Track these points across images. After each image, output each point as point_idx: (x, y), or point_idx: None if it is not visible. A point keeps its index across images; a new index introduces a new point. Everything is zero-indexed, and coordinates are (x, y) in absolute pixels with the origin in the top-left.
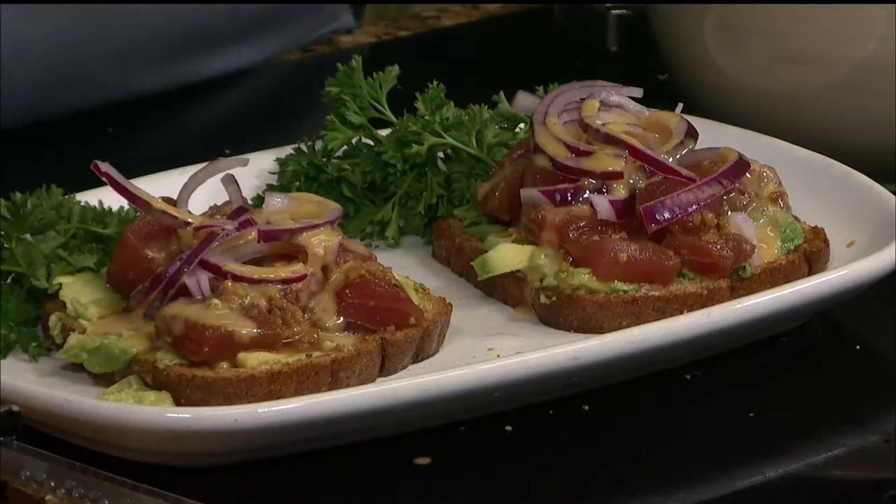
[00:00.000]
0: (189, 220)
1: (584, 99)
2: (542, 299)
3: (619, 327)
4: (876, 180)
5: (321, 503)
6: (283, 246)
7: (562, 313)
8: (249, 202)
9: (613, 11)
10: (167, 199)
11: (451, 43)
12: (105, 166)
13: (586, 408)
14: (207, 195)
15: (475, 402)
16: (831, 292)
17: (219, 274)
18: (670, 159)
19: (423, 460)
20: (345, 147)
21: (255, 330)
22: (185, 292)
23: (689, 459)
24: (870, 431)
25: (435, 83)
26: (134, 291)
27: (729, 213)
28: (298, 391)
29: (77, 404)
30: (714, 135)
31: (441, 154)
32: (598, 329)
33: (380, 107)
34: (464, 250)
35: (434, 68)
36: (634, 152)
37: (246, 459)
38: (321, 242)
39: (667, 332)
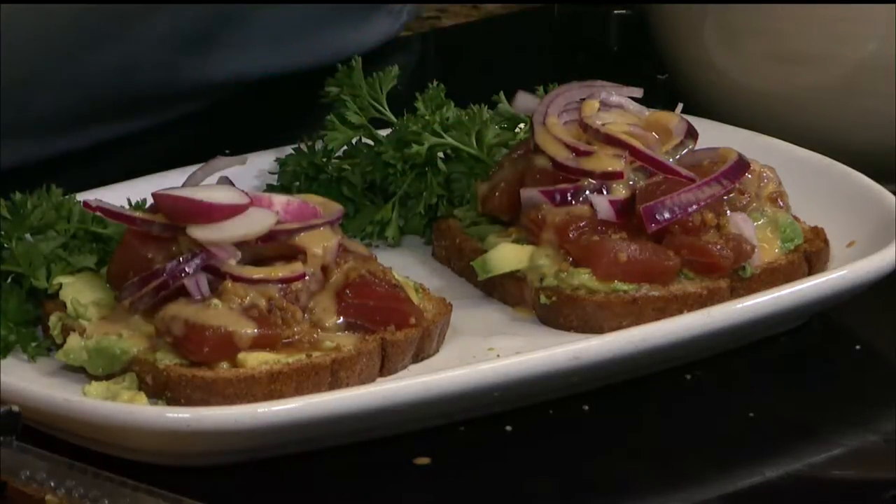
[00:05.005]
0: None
1: (584, 99)
2: (542, 299)
3: (619, 327)
4: (876, 180)
5: (321, 503)
6: (283, 246)
7: (562, 313)
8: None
9: (613, 11)
10: None
11: (451, 43)
12: (95, 201)
13: (586, 408)
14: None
15: (475, 402)
16: (831, 292)
17: (218, 274)
18: (670, 159)
19: (423, 460)
20: (345, 147)
21: (255, 330)
22: (184, 292)
23: (689, 459)
24: (870, 431)
25: (435, 83)
26: (126, 283)
27: (729, 213)
28: (298, 391)
29: (77, 404)
30: (714, 135)
31: (441, 154)
32: (598, 329)
33: (380, 107)
34: (464, 250)
35: (434, 68)
36: (634, 152)
37: (246, 459)
38: (320, 242)
39: (667, 332)
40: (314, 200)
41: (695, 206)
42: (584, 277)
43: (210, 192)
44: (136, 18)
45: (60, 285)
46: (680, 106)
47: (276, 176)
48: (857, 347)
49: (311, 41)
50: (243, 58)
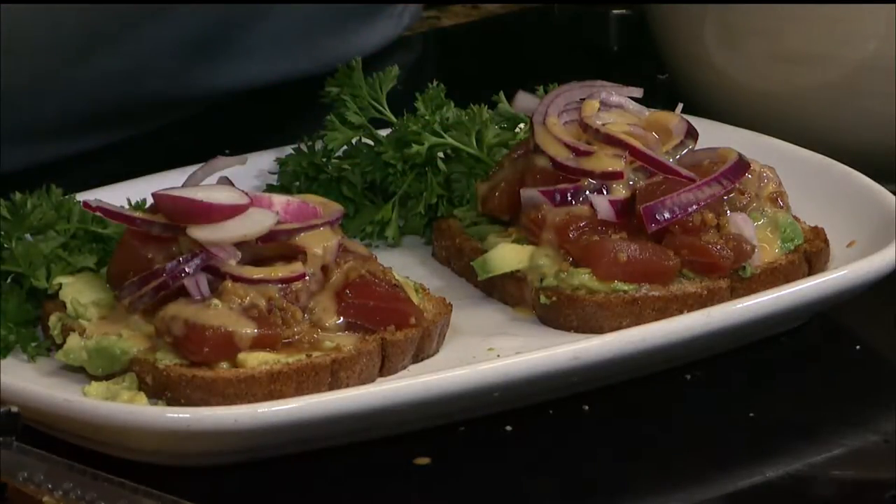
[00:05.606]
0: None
1: (584, 99)
2: (542, 299)
3: (619, 327)
4: (876, 180)
5: (321, 503)
6: (283, 246)
7: (562, 313)
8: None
9: (613, 11)
10: None
11: (451, 43)
12: (95, 201)
13: (586, 408)
14: None
15: (475, 402)
16: (831, 292)
17: (218, 274)
18: (670, 159)
19: (423, 460)
20: (345, 147)
21: (255, 330)
22: (184, 292)
23: (689, 459)
24: (870, 431)
25: (435, 83)
26: (126, 283)
27: (729, 213)
28: (298, 391)
29: (77, 404)
30: (714, 135)
31: (441, 154)
32: (598, 329)
33: (380, 107)
34: (464, 250)
35: (434, 68)
36: (634, 152)
37: (246, 459)
38: (320, 242)
39: (667, 332)
40: (314, 200)
41: (695, 206)
42: (584, 277)
43: (210, 192)
44: (138, 25)
45: (60, 285)
46: (680, 106)
47: (276, 176)
48: (857, 347)
49: (314, 47)
50: (246, 65)
